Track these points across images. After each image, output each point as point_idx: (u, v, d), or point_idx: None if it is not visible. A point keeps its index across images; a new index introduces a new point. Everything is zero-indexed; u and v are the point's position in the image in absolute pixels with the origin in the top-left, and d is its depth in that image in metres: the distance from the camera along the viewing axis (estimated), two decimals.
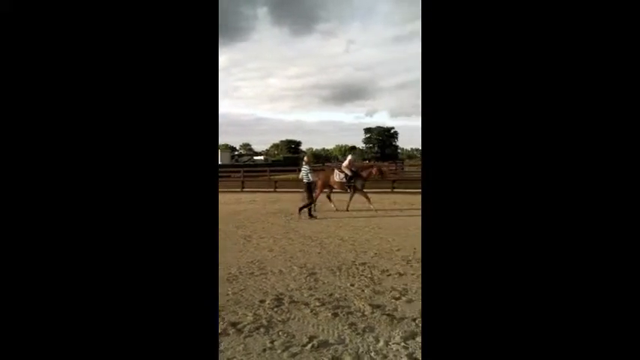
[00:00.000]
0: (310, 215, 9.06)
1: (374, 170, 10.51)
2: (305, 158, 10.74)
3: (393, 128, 75.80)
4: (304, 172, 9.38)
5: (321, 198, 10.56)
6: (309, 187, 9.25)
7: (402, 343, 2.70)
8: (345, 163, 10.59)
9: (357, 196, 10.28)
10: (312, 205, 9.29)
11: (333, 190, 10.63)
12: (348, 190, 10.29)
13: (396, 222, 8.30)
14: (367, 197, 9.97)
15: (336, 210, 10.01)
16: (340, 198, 10.86)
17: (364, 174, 10.30)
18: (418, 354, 2.54)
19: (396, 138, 75.72)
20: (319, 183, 10.41)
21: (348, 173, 10.16)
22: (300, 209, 9.14)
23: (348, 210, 9.92)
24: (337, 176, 10.36)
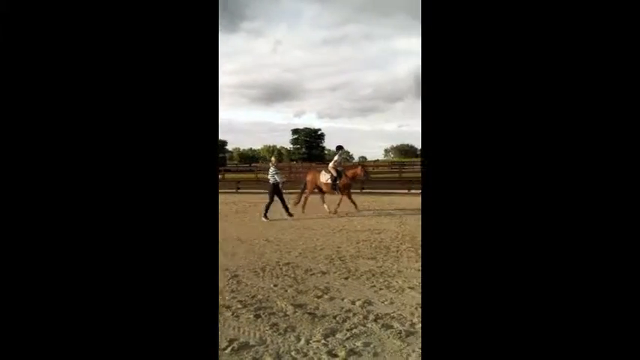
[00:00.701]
0: (265, 216, 8.71)
1: (359, 170, 9.67)
2: (272, 159, 10.25)
3: (320, 130, 77.09)
4: (270, 174, 9.06)
5: (315, 201, 9.97)
6: (276, 189, 8.97)
7: (323, 341, 2.73)
8: (331, 163, 9.82)
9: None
10: (268, 206, 8.89)
11: (324, 192, 9.83)
12: (337, 192, 9.57)
13: (335, 223, 8.41)
14: (354, 201, 9.36)
15: (330, 213, 9.38)
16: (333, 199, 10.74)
17: (349, 174, 9.55)
18: (338, 350, 2.58)
19: (323, 139, 77.02)
20: (308, 185, 9.90)
21: (334, 174, 9.48)
22: (266, 212, 8.79)
23: (336, 212, 9.30)
24: (323, 177, 9.69)
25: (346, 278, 4.27)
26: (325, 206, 9.66)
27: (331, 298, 3.63)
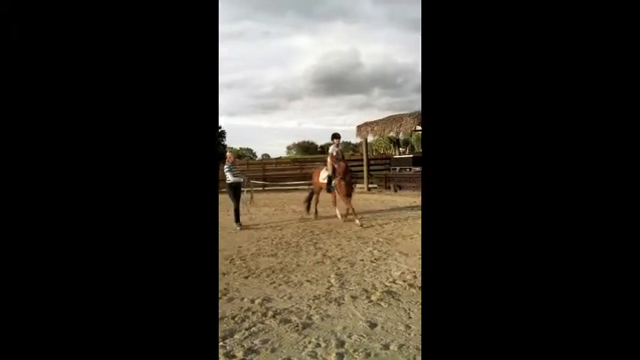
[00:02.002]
0: (237, 221, 7.39)
1: (341, 164, 7.47)
2: (227, 154, 8.04)
3: (220, 127, 74.99)
4: (225, 171, 7.47)
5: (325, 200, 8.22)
6: (235, 190, 7.48)
7: (220, 343, 2.68)
8: (328, 158, 7.80)
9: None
10: (237, 210, 7.45)
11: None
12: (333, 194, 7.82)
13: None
14: (351, 206, 7.32)
15: (344, 220, 7.54)
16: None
17: (340, 171, 7.37)
18: (236, 351, 2.56)
19: (224, 137, 75.07)
20: (315, 186, 8.30)
21: (329, 171, 7.67)
22: (236, 217, 7.41)
23: (348, 217, 7.56)
24: (321, 176, 8.01)
25: (246, 277, 4.23)
26: (337, 211, 7.83)
27: (230, 299, 3.57)
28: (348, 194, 7.40)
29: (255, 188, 8.36)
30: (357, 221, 7.06)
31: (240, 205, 7.60)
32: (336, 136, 7.82)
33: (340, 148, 7.86)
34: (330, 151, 7.83)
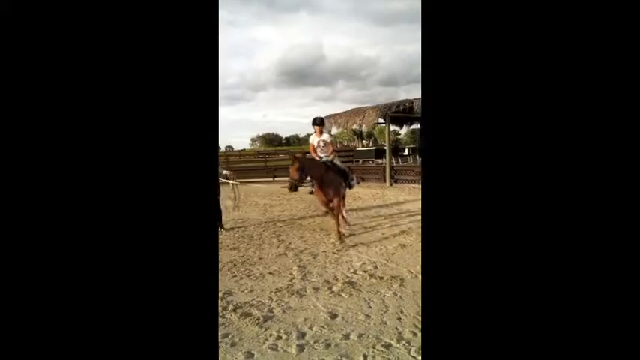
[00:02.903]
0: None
1: (311, 163, 5.79)
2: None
3: None
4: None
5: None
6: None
7: None
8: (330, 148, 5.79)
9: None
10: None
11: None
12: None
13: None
14: (336, 216, 5.34)
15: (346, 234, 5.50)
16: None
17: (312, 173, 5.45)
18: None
19: None
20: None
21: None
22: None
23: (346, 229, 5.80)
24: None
25: None
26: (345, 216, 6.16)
27: None
28: (328, 200, 5.24)
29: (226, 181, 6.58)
30: (344, 229, 5.51)
31: (221, 203, 6.32)
32: (315, 121, 5.70)
33: (328, 137, 5.71)
34: (310, 141, 5.80)
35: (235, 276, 3.93)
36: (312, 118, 5.82)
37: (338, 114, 13.67)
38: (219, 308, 3.10)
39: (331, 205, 5.29)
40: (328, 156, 5.67)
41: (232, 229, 6.33)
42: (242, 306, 3.13)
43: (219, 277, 3.89)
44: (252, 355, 2.38)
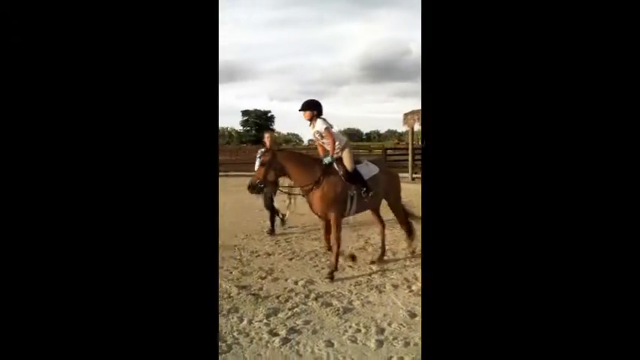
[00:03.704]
0: (272, 226, 5.58)
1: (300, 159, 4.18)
2: (266, 136, 5.36)
3: (270, 112, 75.88)
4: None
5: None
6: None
7: (265, 320, 2.75)
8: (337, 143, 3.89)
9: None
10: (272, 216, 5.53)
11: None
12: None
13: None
14: (333, 237, 3.79)
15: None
16: None
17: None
18: (279, 329, 2.62)
19: (273, 121, 76.09)
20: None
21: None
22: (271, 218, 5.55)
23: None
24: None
25: (290, 259, 4.30)
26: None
27: (275, 279, 3.65)
28: (323, 215, 3.85)
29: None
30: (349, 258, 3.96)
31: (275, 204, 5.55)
32: (302, 106, 3.90)
33: (322, 125, 3.82)
34: (322, 126, 3.82)
35: (317, 266, 4.04)
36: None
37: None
38: (302, 295, 3.21)
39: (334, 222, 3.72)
40: (337, 153, 3.81)
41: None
42: (323, 295, 3.21)
43: (301, 266, 4.03)
44: (332, 344, 2.44)
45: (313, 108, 3.85)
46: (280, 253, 4.53)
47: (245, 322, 2.74)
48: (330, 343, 2.44)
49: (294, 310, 2.93)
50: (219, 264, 4.12)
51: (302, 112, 3.88)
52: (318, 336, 2.54)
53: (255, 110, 73.29)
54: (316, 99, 3.92)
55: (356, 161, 4.00)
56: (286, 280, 3.62)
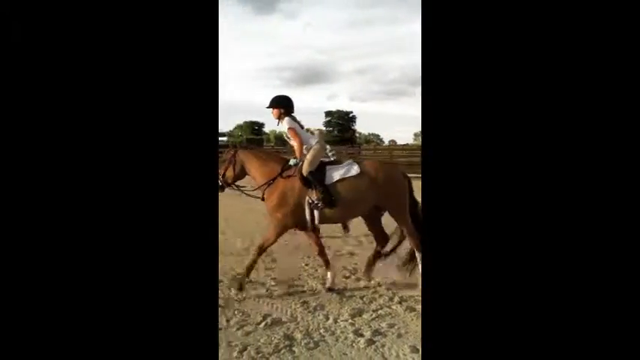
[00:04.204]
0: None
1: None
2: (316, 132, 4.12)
3: (351, 112, 76.22)
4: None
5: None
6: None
7: (350, 320, 2.79)
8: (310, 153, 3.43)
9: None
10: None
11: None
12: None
13: None
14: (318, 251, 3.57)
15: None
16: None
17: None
18: (364, 330, 2.63)
19: (355, 122, 76.31)
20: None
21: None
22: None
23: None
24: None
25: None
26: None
27: (358, 279, 3.68)
28: (272, 217, 3.46)
29: None
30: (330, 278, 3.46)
31: None
32: (270, 103, 3.57)
33: (287, 124, 3.50)
34: (283, 128, 3.57)
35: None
36: None
37: None
38: (386, 298, 3.20)
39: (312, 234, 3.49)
40: (305, 155, 3.39)
41: None
42: (407, 299, 3.16)
43: (384, 268, 4.00)
44: (417, 350, 2.39)
45: (280, 105, 3.52)
46: (363, 253, 4.54)
47: (331, 320, 2.81)
48: (415, 349, 2.40)
49: (379, 312, 2.92)
50: (306, 261, 4.26)
51: (270, 110, 3.55)
52: (403, 340, 2.51)
53: (338, 111, 74.16)
54: (285, 94, 3.56)
55: (335, 161, 3.65)
56: (370, 281, 3.63)
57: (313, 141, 3.46)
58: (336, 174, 3.35)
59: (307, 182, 3.31)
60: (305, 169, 3.32)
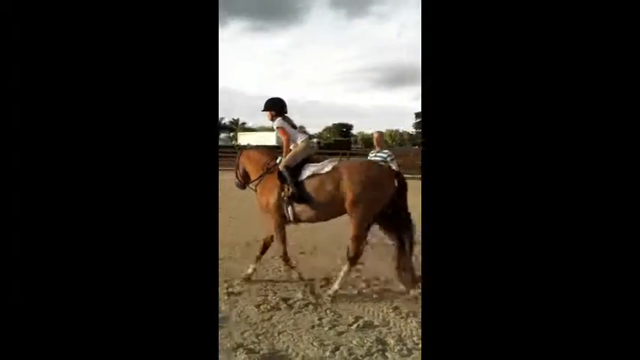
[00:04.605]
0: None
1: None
2: (375, 136, 4.95)
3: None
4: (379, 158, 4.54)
5: None
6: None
7: None
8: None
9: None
10: None
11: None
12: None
13: None
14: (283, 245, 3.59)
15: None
16: None
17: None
18: None
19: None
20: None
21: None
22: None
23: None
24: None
25: None
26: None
27: None
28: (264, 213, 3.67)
29: None
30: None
31: None
32: (264, 106, 3.72)
33: (277, 123, 3.65)
34: (299, 142, 3.59)
35: None
36: None
37: None
38: None
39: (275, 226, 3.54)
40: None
41: None
42: None
43: None
44: None
45: (271, 108, 3.69)
46: None
47: None
48: None
49: None
50: (396, 265, 4.15)
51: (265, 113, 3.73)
52: None
53: None
54: (278, 97, 3.68)
55: (317, 160, 3.58)
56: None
57: (298, 138, 3.57)
58: (308, 171, 3.37)
59: (282, 177, 3.39)
60: (281, 165, 3.43)
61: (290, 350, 2.42)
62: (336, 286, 3.24)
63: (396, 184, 3.28)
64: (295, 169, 3.41)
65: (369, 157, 4.71)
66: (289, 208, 3.40)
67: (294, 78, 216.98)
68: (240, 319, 2.81)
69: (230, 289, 3.37)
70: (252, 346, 2.43)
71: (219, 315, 2.87)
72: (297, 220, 3.46)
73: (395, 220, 3.25)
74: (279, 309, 3.00)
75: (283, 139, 3.58)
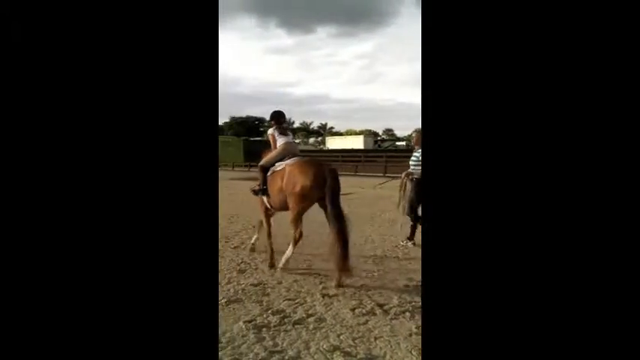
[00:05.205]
0: (410, 238, 5.08)
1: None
2: (414, 135, 5.58)
3: None
4: (414, 162, 5.01)
5: None
6: (416, 189, 4.87)
7: None
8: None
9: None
10: (415, 221, 5.03)
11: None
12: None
13: None
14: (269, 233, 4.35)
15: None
16: None
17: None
18: None
19: None
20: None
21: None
22: (411, 230, 5.08)
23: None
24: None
25: None
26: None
27: None
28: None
29: None
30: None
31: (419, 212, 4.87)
32: (273, 117, 4.54)
33: (269, 131, 4.54)
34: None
35: None
36: None
37: None
38: None
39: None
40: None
41: None
42: None
43: None
44: None
45: (271, 119, 4.51)
46: None
47: None
48: None
49: None
50: None
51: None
52: None
53: None
54: (277, 110, 4.50)
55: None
56: None
57: (283, 142, 4.26)
58: (272, 168, 4.12)
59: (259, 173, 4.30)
60: (261, 162, 4.30)
61: (388, 357, 2.36)
62: (282, 261, 3.97)
63: (329, 181, 3.61)
64: (271, 165, 4.18)
65: (413, 155, 5.14)
66: (264, 199, 4.24)
67: (384, 80, 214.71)
68: (335, 322, 2.83)
69: (325, 291, 3.41)
70: (348, 349, 2.42)
71: (314, 316, 2.92)
72: (273, 208, 4.25)
73: (328, 212, 3.62)
74: (375, 314, 2.95)
75: (272, 144, 4.37)
